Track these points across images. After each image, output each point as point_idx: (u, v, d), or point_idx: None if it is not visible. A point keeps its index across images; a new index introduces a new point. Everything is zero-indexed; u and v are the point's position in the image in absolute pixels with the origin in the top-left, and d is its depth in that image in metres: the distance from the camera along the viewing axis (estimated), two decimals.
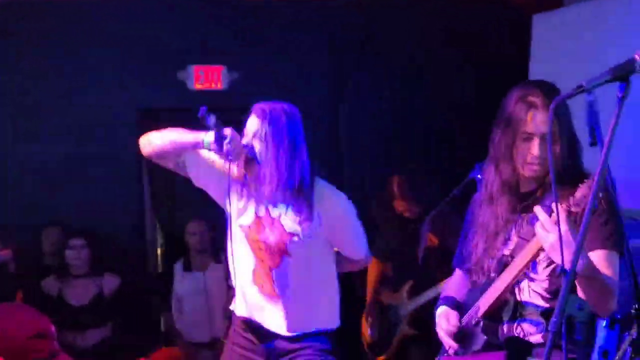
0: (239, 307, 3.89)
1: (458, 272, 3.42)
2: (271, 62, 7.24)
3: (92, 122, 7.10)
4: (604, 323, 3.73)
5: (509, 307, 3.03)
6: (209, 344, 6.47)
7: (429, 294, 5.55)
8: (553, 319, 2.22)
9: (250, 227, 3.74)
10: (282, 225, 3.70)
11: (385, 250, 5.97)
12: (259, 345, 3.84)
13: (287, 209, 3.70)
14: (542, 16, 6.31)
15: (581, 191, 2.66)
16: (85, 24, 7.10)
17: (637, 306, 2.93)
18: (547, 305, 2.96)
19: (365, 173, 7.18)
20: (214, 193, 3.84)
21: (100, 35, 7.11)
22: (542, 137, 2.95)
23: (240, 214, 3.77)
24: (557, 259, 2.69)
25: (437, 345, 3.35)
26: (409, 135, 7.21)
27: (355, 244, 3.89)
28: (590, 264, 2.69)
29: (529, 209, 3.02)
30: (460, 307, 3.23)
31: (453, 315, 3.21)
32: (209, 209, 4.19)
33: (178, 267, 6.72)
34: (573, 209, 2.66)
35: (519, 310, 3.02)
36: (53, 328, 3.07)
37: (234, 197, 3.77)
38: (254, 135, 3.64)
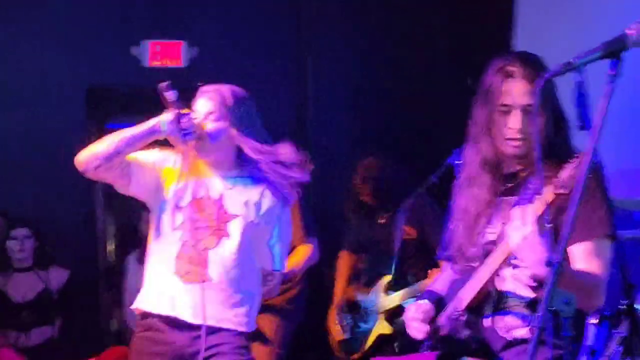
0: (149, 304, 3.92)
1: (446, 266, 3.40)
2: (235, 37, 7.21)
3: (37, 102, 7.03)
4: (591, 320, 3.76)
5: (491, 299, 3.03)
6: None
7: (410, 292, 5.55)
8: (538, 313, 2.23)
9: (190, 207, 3.87)
10: (224, 206, 3.88)
11: (356, 241, 5.98)
12: (172, 344, 3.85)
13: (231, 190, 3.90)
14: None
15: (567, 171, 2.66)
16: None
17: (627, 302, 2.96)
18: (532, 295, 2.95)
19: (332, 145, 7.17)
20: (149, 188, 3.93)
21: (46, 3, 7.04)
22: (522, 110, 2.94)
23: (179, 196, 3.89)
24: (529, 265, 2.76)
25: (416, 343, 3.35)
26: (382, 113, 7.18)
27: (271, 250, 4.00)
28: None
29: (512, 192, 3.03)
30: (442, 301, 3.23)
31: (426, 305, 3.21)
32: None
33: (132, 259, 6.69)
34: (558, 191, 2.68)
35: (501, 302, 3.01)
36: None
37: (172, 181, 3.92)
38: (207, 117, 3.85)
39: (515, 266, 2.98)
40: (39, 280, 6.36)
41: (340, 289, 6.01)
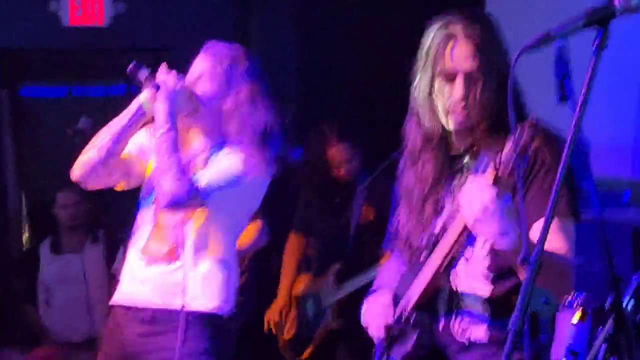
0: (126, 293, 4.05)
1: (392, 256, 3.38)
2: None
3: None
4: (573, 318, 3.80)
5: (444, 297, 3.00)
6: (86, 344, 6.40)
7: (361, 280, 5.55)
8: (515, 313, 2.24)
9: None
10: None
11: (307, 220, 6.01)
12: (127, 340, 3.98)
13: (209, 162, 3.99)
14: None
15: (512, 145, 2.63)
16: None
17: (614, 296, 2.97)
18: (489, 291, 2.95)
19: None
20: (141, 175, 4.10)
21: None
22: (466, 76, 2.90)
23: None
24: (485, 235, 2.73)
25: (369, 340, 3.34)
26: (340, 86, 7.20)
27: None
28: (523, 235, 2.59)
29: (463, 171, 3.00)
30: (395, 298, 3.17)
31: (387, 298, 3.17)
32: None
33: (44, 248, 6.66)
34: (500, 169, 2.66)
35: (455, 301, 3.00)
36: None
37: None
38: (200, 76, 3.96)
39: (468, 259, 2.97)
40: None
41: (287, 278, 6.03)
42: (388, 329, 3.12)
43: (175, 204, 3.84)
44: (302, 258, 6.06)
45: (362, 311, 3.26)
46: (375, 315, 3.18)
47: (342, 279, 5.78)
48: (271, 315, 5.97)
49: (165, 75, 3.88)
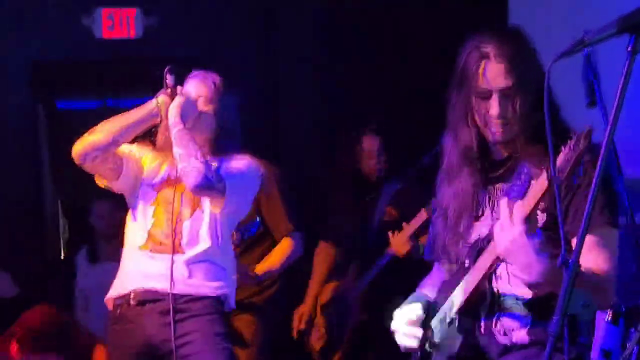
0: (119, 288, 4.29)
1: (435, 267, 3.37)
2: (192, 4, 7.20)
3: None
4: (606, 318, 3.78)
5: (485, 300, 2.99)
6: None
7: (376, 267, 5.71)
8: (554, 317, 2.23)
9: (164, 184, 4.30)
10: None
11: (336, 228, 6.02)
12: (142, 334, 4.17)
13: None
14: None
15: (562, 155, 2.61)
16: None
17: None
18: (530, 293, 2.91)
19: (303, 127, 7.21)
20: (131, 182, 4.34)
21: None
22: (501, 93, 2.91)
23: (153, 175, 4.33)
24: (517, 270, 2.74)
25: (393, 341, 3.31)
26: (368, 91, 7.19)
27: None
28: (552, 266, 2.64)
29: (503, 179, 3.01)
30: (431, 306, 3.18)
31: (416, 310, 3.16)
32: None
33: (81, 257, 6.69)
34: (557, 174, 2.61)
35: (496, 303, 2.98)
36: None
37: (148, 164, 4.36)
38: (199, 99, 4.29)
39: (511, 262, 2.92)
40: None
41: (315, 286, 6.03)
42: (425, 335, 3.12)
43: (205, 184, 4.06)
44: (333, 266, 6.03)
45: (394, 317, 3.21)
46: (404, 324, 3.16)
47: (361, 275, 5.81)
48: (296, 323, 5.97)
49: (182, 88, 4.23)
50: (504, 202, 2.74)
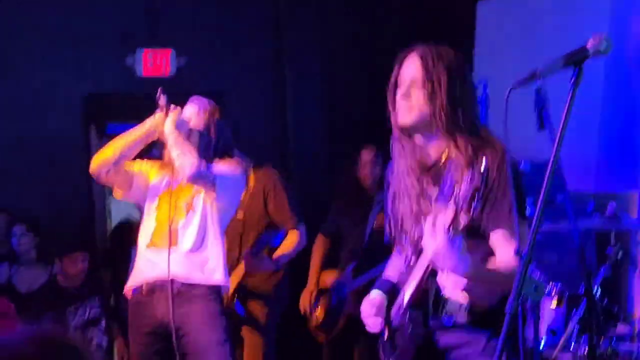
0: (133, 280, 4.33)
1: (395, 249, 3.23)
2: (218, 46, 7.20)
3: (38, 105, 6.97)
4: (552, 304, 3.79)
5: (432, 299, 2.89)
6: None
7: (371, 274, 5.53)
8: (510, 298, 2.22)
9: (167, 190, 4.34)
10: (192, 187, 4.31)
11: (335, 226, 5.97)
12: (154, 314, 4.23)
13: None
14: (486, 3, 6.36)
15: (465, 186, 2.55)
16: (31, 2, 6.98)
17: (586, 285, 2.96)
18: (466, 300, 2.84)
19: (309, 144, 7.20)
20: (142, 191, 4.41)
21: (47, 18, 7.00)
22: (411, 81, 2.85)
23: (158, 185, 4.37)
24: (443, 268, 2.69)
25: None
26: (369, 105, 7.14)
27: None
28: (474, 265, 2.63)
29: (436, 181, 2.90)
30: (394, 289, 3.07)
31: (380, 299, 3.07)
32: None
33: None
34: (461, 204, 2.56)
35: (441, 304, 2.89)
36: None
37: (154, 176, 4.41)
38: (192, 118, 4.33)
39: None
40: (42, 273, 6.29)
41: (314, 271, 5.97)
42: (388, 320, 3.02)
43: (198, 175, 4.14)
44: (327, 255, 5.98)
45: (362, 303, 3.11)
46: (368, 314, 3.07)
47: (357, 273, 5.74)
48: (302, 302, 5.94)
49: (174, 107, 4.29)
50: (429, 219, 2.66)
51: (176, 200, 4.29)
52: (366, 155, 5.93)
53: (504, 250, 2.73)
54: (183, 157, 4.16)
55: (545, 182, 2.33)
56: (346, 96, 7.17)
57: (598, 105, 5.28)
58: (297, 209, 5.27)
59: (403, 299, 2.92)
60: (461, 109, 2.82)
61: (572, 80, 2.29)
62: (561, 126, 2.30)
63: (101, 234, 7.53)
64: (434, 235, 2.62)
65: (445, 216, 2.60)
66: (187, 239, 4.25)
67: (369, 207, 5.87)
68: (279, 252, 5.18)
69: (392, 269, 3.17)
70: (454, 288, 2.83)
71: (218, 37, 7.19)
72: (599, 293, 3.61)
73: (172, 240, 4.23)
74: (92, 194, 7.27)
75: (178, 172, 4.22)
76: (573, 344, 3.42)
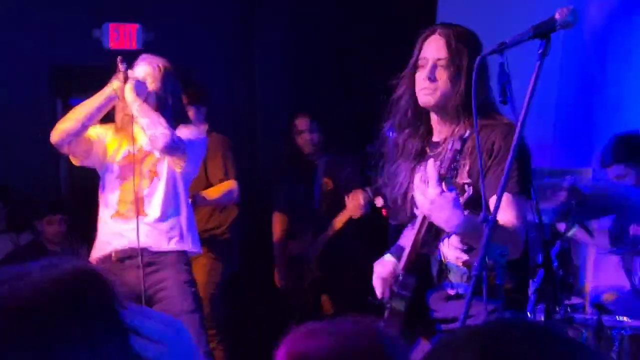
0: (99, 250, 4.27)
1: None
2: (185, 21, 7.12)
3: (4, 75, 6.83)
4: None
5: (435, 266, 2.91)
6: None
7: (329, 232, 5.64)
8: (476, 263, 2.23)
9: (126, 159, 4.22)
10: (153, 153, 4.22)
11: (289, 202, 5.97)
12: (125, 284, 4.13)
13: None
14: None
15: (447, 153, 2.62)
16: None
17: (544, 255, 2.96)
18: (465, 257, 2.88)
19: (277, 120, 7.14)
20: (100, 157, 4.31)
21: None
22: (435, 62, 2.85)
23: (115, 153, 4.26)
24: (439, 225, 2.69)
25: (349, 290, 3.24)
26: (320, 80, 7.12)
27: None
28: (469, 219, 2.63)
29: (436, 157, 2.89)
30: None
31: (389, 263, 3.07)
32: None
33: None
34: (441, 171, 2.62)
35: (444, 271, 2.91)
36: None
37: (111, 143, 4.29)
38: (146, 79, 4.21)
39: (448, 234, 2.89)
40: (9, 242, 6.17)
41: (278, 246, 5.98)
42: (388, 279, 3.02)
43: (172, 146, 4.05)
44: (287, 230, 5.96)
45: (374, 274, 3.10)
46: (382, 280, 3.05)
47: (314, 239, 5.76)
48: (276, 277, 5.96)
49: (132, 72, 4.18)
50: (418, 172, 2.71)
51: (140, 167, 4.21)
52: (301, 124, 5.90)
53: (502, 212, 2.72)
54: (154, 128, 4.04)
55: (511, 152, 2.33)
56: (314, 70, 7.12)
57: (555, 82, 5.32)
58: (237, 173, 5.27)
59: (400, 265, 2.94)
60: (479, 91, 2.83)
61: (540, 51, 2.29)
62: (528, 96, 2.30)
63: (69, 202, 7.43)
64: (425, 188, 2.62)
65: (433, 170, 2.61)
66: (154, 207, 4.17)
67: (313, 173, 5.86)
68: (202, 193, 5.12)
69: (404, 238, 3.18)
70: (454, 250, 2.85)
71: (185, 12, 7.11)
72: (555, 264, 3.64)
73: (138, 209, 4.14)
74: (59, 166, 7.17)
75: (150, 143, 4.11)
76: (529, 313, 3.44)
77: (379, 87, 3.13)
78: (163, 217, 4.17)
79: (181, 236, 4.21)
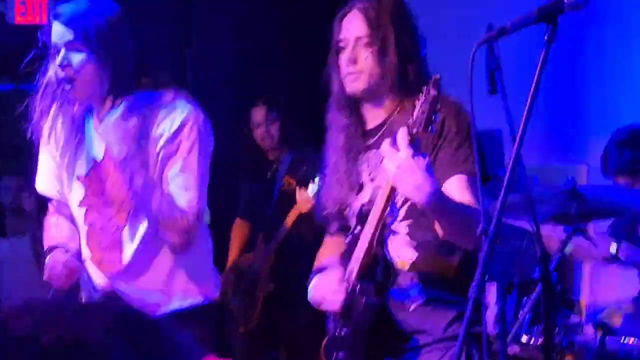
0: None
1: (328, 237, 3.30)
2: None
3: None
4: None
5: (381, 266, 2.93)
6: None
7: (281, 233, 5.66)
8: (474, 282, 2.26)
9: (91, 175, 3.38)
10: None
11: (249, 206, 6.00)
12: None
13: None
14: None
15: (420, 108, 2.64)
16: None
17: (542, 269, 3.01)
18: (414, 258, 2.93)
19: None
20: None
21: None
22: (355, 42, 2.88)
23: (74, 161, 3.40)
24: (404, 191, 2.71)
25: (305, 305, 3.24)
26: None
27: None
28: (440, 192, 2.68)
29: (376, 146, 2.94)
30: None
31: (333, 272, 3.03)
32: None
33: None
34: (414, 130, 2.65)
35: (390, 272, 2.94)
36: None
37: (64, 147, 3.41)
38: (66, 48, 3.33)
39: (394, 232, 2.95)
40: None
41: (231, 259, 5.98)
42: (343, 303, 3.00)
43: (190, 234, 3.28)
44: (247, 240, 5.98)
45: (311, 288, 3.12)
46: (329, 291, 3.01)
47: (268, 243, 5.77)
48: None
49: None
50: (385, 142, 2.70)
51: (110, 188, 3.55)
52: (257, 115, 5.89)
53: (460, 195, 2.80)
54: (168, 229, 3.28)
55: (513, 154, 2.36)
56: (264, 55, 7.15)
57: (545, 75, 5.39)
58: None
59: (352, 272, 2.93)
60: (412, 65, 2.87)
61: (546, 37, 2.32)
62: (532, 90, 2.34)
63: None
64: (395, 152, 2.63)
65: (403, 136, 2.63)
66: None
67: (276, 171, 5.88)
68: None
69: (327, 254, 3.20)
70: (403, 247, 2.91)
71: None
72: (554, 278, 3.70)
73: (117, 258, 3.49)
74: None
75: None
76: (524, 335, 3.50)
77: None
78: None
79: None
